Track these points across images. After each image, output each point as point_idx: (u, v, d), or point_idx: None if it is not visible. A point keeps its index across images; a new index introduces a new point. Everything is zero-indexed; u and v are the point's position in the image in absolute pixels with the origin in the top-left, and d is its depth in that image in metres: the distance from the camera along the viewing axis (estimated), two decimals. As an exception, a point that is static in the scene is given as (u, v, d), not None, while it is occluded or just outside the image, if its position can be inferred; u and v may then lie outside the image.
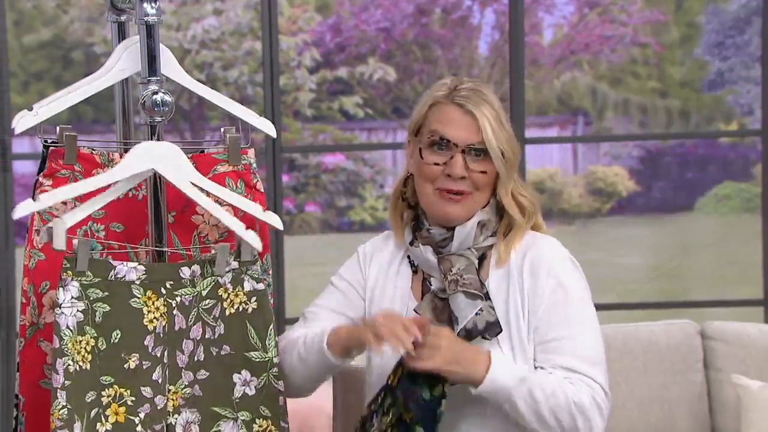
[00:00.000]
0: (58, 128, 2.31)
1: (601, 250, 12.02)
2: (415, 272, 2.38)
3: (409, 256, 2.38)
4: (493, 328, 2.25)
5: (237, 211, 2.31)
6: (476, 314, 2.25)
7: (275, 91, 4.26)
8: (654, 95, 14.45)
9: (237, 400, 2.26)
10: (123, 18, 2.38)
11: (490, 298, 2.27)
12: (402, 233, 2.39)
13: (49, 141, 2.29)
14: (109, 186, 2.20)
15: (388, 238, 2.44)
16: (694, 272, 12.16)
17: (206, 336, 2.25)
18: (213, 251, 2.26)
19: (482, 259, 2.32)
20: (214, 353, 2.25)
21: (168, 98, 2.22)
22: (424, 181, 2.31)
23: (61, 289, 2.11)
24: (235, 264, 2.25)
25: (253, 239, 2.25)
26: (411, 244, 2.35)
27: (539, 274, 2.29)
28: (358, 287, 2.41)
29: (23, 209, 2.15)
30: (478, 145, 2.27)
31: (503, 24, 12.34)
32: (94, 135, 8.72)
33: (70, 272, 2.12)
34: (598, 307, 2.37)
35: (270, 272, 2.38)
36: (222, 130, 2.39)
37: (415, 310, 2.32)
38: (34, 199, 2.22)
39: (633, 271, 11.27)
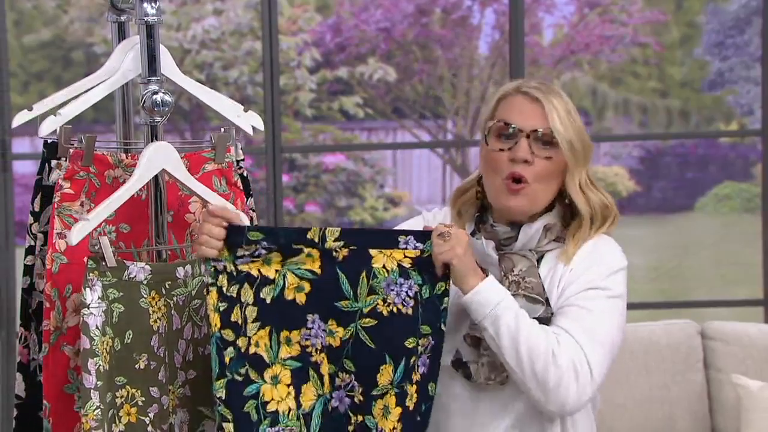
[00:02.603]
0: (58, 128, 2.31)
1: (601, 250, 12.00)
2: None
3: None
4: None
5: None
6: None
7: (275, 91, 4.26)
8: (654, 95, 14.45)
9: None
10: (123, 18, 2.38)
11: (550, 304, 2.24)
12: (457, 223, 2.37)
13: (49, 141, 2.29)
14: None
15: (446, 213, 2.44)
16: (694, 272, 12.15)
17: (195, 336, 2.26)
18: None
19: (539, 260, 2.30)
20: (200, 353, 2.27)
21: (168, 98, 2.22)
22: (492, 171, 2.29)
23: (88, 289, 2.10)
24: None
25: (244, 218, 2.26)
26: (472, 234, 2.33)
27: (591, 260, 2.27)
28: None
29: (80, 232, 2.13)
30: (544, 131, 2.26)
31: (503, 24, 12.34)
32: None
33: (96, 272, 2.12)
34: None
35: None
36: (222, 129, 2.40)
37: None
38: (52, 200, 2.23)
39: (633, 271, 11.16)
